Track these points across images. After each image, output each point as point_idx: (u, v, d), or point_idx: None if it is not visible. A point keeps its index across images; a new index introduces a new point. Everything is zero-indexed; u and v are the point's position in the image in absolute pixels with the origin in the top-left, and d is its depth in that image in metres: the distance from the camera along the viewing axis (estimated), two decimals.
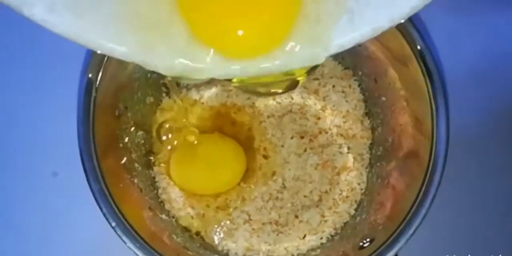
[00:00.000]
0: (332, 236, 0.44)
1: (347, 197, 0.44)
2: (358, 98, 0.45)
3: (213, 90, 0.45)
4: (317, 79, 0.45)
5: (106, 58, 0.37)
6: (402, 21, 0.25)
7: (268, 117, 0.45)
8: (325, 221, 0.44)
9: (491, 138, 0.45)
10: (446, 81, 0.39)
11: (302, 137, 0.45)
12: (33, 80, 0.44)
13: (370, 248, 0.38)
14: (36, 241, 0.44)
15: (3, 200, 0.44)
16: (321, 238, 0.43)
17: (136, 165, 0.42)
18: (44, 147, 0.44)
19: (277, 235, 0.43)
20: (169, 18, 0.24)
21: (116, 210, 0.37)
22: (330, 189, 0.44)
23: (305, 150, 0.44)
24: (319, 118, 0.45)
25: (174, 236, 0.41)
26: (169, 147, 0.44)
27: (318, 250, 0.43)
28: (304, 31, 0.25)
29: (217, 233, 0.43)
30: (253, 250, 0.43)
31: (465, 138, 0.42)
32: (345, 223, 0.44)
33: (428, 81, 0.37)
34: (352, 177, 0.44)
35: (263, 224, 0.43)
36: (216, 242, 0.43)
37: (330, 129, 0.45)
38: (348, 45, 0.25)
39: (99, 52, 0.25)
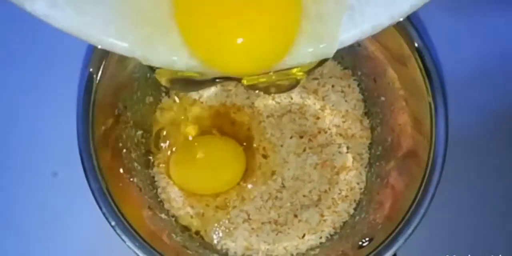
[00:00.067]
0: (331, 235, 0.44)
1: (346, 196, 0.44)
2: (357, 98, 0.45)
3: (213, 89, 0.45)
4: (316, 79, 0.45)
5: (105, 58, 0.37)
6: (402, 19, 0.25)
7: (268, 117, 0.45)
8: (324, 220, 0.44)
9: (491, 138, 0.45)
10: (446, 81, 0.39)
11: (301, 137, 0.45)
12: (33, 79, 0.44)
13: (369, 247, 0.38)
14: (36, 241, 0.44)
15: (3, 200, 0.44)
16: (320, 238, 0.44)
17: (136, 164, 0.42)
18: (44, 147, 0.44)
19: (276, 234, 0.43)
20: (169, 16, 0.24)
21: (116, 210, 0.37)
22: (329, 189, 0.44)
23: (304, 150, 0.44)
24: (318, 118, 0.45)
25: (174, 235, 0.41)
26: (168, 153, 0.44)
27: (317, 250, 0.43)
28: (307, 30, 0.25)
29: (217, 233, 0.43)
30: (252, 250, 0.43)
31: (464, 138, 0.42)
32: (344, 223, 0.44)
33: (427, 81, 0.37)
34: (351, 176, 0.44)
35: (262, 223, 0.43)
36: (216, 241, 0.43)
37: (329, 129, 0.45)
38: (348, 42, 0.25)
39: (99, 47, 0.25)
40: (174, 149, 0.45)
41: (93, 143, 0.37)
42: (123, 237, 0.36)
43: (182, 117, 0.44)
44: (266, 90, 0.29)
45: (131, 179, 0.41)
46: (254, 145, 0.44)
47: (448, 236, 0.44)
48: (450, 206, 0.42)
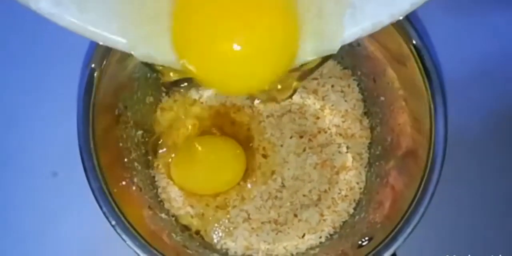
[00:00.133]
0: (331, 235, 0.44)
1: (346, 196, 0.44)
2: (357, 97, 0.45)
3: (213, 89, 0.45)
4: (316, 78, 0.45)
5: (106, 58, 0.37)
6: (402, 17, 0.25)
7: (267, 116, 0.45)
8: (324, 220, 0.44)
9: (490, 138, 0.45)
10: (446, 81, 0.39)
11: (301, 137, 0.45)
12: (33, 79, 0.45)
13: (368, 246, 0.38)
14: (36, 240, 0.44)
15: (3, 200, 0.44)
16: (320, 237, 0.44)
17: (136, 164, 0.42)
18: (44, 147, 0.44)
19: (276, 234, 0.43)
20: (169, 14, 0.25)
21: (116, 209, 0.37)
22: (329, 188, 0.44)
23: (304, 150, 0.44)
24: (318, 118, 0.45)
25: (174, 235, 0.41)
26: (169, 160, 0.44)
27: (317, 249, 0.43)
28: (309, 28, 0.25)
29: (217, 232, 0.43)
30: (252, 249, 0.43)
31: (464, 138, 0.42)
32: (344, 222, 0.44)
33: (426, 80, 0.37)
34: (351, 176, 0.44)
35: (262, 223, 0.43)
36: (216, 241, 0.43)
37: (329, 129, 0.45)
38: (349, 40, 0.26)
39: (101, 43, 0.25)
40: (174, 150, 0.45)
41: (93, 142, 0.37)
42: (123, 236, 0.36)
43: (183, 117, 0.44)
44: (265, 101, 0.29)
45: (131, 179, 0.41)
46: (254, 145, 0.45)
47: (448, 235, 0.44)
48: (449, 206, 0.42)
